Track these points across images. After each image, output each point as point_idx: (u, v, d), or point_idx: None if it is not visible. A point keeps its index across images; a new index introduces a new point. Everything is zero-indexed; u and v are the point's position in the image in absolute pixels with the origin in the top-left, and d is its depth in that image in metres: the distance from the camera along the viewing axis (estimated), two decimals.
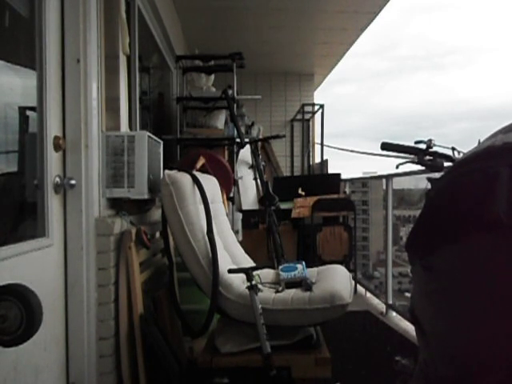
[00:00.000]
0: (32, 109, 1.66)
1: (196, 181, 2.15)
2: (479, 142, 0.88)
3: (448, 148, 1.35)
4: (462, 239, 0.74)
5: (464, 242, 0.73)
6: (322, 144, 6.32)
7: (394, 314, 3.60)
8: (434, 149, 1.39)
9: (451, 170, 0.82)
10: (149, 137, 2.00)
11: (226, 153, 3.81)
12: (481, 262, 0.71)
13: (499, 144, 0.74)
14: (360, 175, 6.51)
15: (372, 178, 5.69)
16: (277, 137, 4.27)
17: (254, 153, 4.13)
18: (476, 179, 0.73)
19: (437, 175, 1.36)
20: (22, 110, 1.76)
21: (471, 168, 0.75)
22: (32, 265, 1.48)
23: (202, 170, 2.72)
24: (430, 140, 1.39)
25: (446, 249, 0.76)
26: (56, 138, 1.64)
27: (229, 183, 3.22)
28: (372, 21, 4.51)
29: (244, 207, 4.51)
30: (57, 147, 1.65)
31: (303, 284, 2.05)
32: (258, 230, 4.36)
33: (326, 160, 6.06)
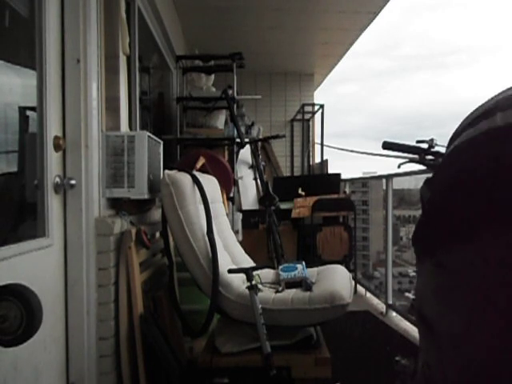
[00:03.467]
0: (32, 109, 1.66)
1: (196, 181, 2.15)
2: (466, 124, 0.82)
3: None
4: (474, 235, 0.71)
5: (478, 239, 0.70)
6: (322, 144, 6.32)
7: (394, 314, 3.60)
8: (436, 148, 1.38)
9: (452, 160, 0.78)
10: (149, 137, 2.00)
11: (226, 153, 3.81)
12: (496, 258, 0.68)
13: (501, 124, 0.69)
14: (360, 175, 6.52)
15: (372, 178, 5.70)
16: (277, 137, 4.28)
17: (254, 153, 4.14)
18: (480, 169, 0.71)
19: None
20: (22, 110, 1.76)
21: (472, 155, 0.72)
22: (32, 265, 1.48)
23: (202, 170, 2.72)
24: (432, 139, 1.38)
25: (459, 245, 0.72)
26: (56, 138, 1.64)
27: (229, 183, 3.22)
28: (372, 21, 4.51)
29: (244, 207, 4.51)
30: (57, 147, 1.65)
31: (303, 284, 2.05)
32: (258, 230, 4.36)
33: (326, 160, 6.06)
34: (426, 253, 0.75)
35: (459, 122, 0.85)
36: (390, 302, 3.68)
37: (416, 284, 0.83)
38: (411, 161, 1.44)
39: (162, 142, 2.34)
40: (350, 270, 3.16)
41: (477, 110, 0.79)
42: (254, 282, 1.88)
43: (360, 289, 4.47)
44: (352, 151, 6.54)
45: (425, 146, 1.40)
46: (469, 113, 0.80)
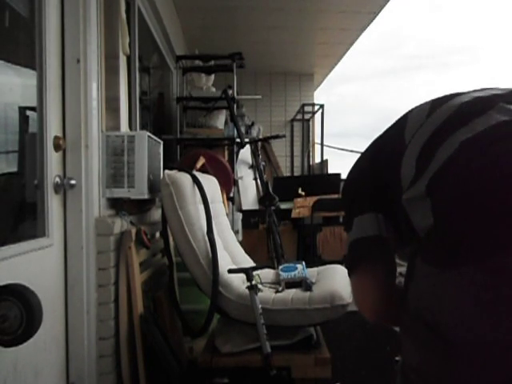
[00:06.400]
0: (32, 109, 1.66)
1: (196, 181, 2.15)
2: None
3: None
4: None
5: None
6: (322, 144, 6.32)
7: None
8: None
9: (489, 148, 0.70)
10: (149, 137, 2.00)
11: (226, 153, 3.81)
12: None
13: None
14: None
15: None
16: (277, 137, 4.28)
17: (254, 153, 4.14)
18: None
19: None
20: (22, 110, 1.76)
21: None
22: (32, 265, 1.48)
23: (202, 170, 2.72)
24: None
25: None
26: (56, 138, 1.64)
27: (229, 183, 3.22)
28: (372, 21, 4.50)
29: (244, 207, 4.51)
30: (57, 147, 1.65)
31: (303, 284, 2.05)
32: (258, 230, 4.35)
33: (326, 160, 6.06)
34: (470, 257, 0.66)
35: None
36: None
37: (424, 292, 0.72)
38: None
39: (161, 142, 2.33)
40: None
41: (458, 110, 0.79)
42: (254, 282, 1.88)
43: None
44: (352, 151, 6.52)
45: None
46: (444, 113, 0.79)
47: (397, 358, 2.27)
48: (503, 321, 0.64)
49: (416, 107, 0.89)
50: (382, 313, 0.90)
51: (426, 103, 0.87)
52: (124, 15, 2.10)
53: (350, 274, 0.92)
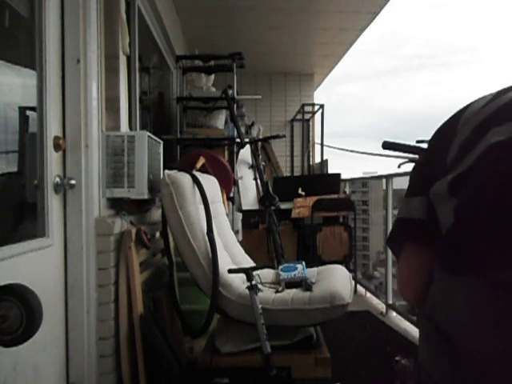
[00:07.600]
0: (32, 109, 1.66)
1: (196, 181, 2.15)
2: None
3: None
4: None
5: None
6: (322, 144, 6.32)
7: (394, 313, 3.60)
8: None
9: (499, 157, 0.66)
10: (149, 137, 2.00)
11: (226, 153, 3.81)
12: None
13: None
14: (360, 175, 6.51)
15: (372, 178, 5.69)
16: (277, 137, 4.28)
17: (254, 153, 4.14)
18: None
19: None
20: (22, 110, 1.76)
21: None
22: (32, 265, 1.48)
23: (202, 170, 2.72)
24: None
25: None
26: (56, 138, 1.64)
27: (229, 183, 3.22)
28: (372, 21, 4.50)
29: (244, 207, 4.50)
30: (57, 147, 1.65)
31: (303, 284, 2.05)
32: (257, 230, 4.35)
33: (326, 160, 6.06)
34: (480, 268, 0.64)
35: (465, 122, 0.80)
36: (390, 301, 3.68)
37: (437, 295, 0.72)
38: (411, 161, 1.43)
39: (161, 142, 2.34)
40: (349, 270, 3.15)
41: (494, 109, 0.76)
42: (254, 282, 1.88)
43: (360, 289, 4.46)
44: (352, 151, 6.54)
45: (425, 145, 1.39)
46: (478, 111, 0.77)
47: (397, 358, 2.27)
48: (507, 335, 0.63)
49: (483, 95, 0.82)
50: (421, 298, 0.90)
51: (492, 93, 0.80)
52: (124, 15, 2.10)
53: (392, 251, 0.91)
